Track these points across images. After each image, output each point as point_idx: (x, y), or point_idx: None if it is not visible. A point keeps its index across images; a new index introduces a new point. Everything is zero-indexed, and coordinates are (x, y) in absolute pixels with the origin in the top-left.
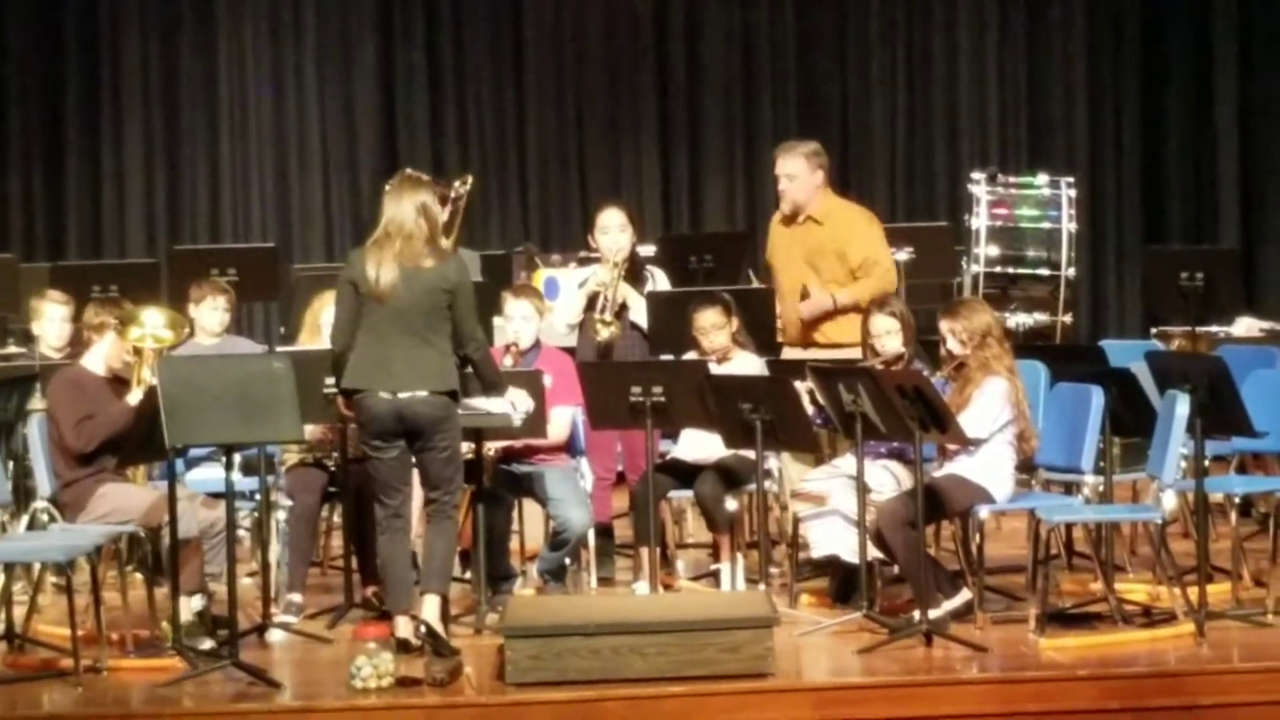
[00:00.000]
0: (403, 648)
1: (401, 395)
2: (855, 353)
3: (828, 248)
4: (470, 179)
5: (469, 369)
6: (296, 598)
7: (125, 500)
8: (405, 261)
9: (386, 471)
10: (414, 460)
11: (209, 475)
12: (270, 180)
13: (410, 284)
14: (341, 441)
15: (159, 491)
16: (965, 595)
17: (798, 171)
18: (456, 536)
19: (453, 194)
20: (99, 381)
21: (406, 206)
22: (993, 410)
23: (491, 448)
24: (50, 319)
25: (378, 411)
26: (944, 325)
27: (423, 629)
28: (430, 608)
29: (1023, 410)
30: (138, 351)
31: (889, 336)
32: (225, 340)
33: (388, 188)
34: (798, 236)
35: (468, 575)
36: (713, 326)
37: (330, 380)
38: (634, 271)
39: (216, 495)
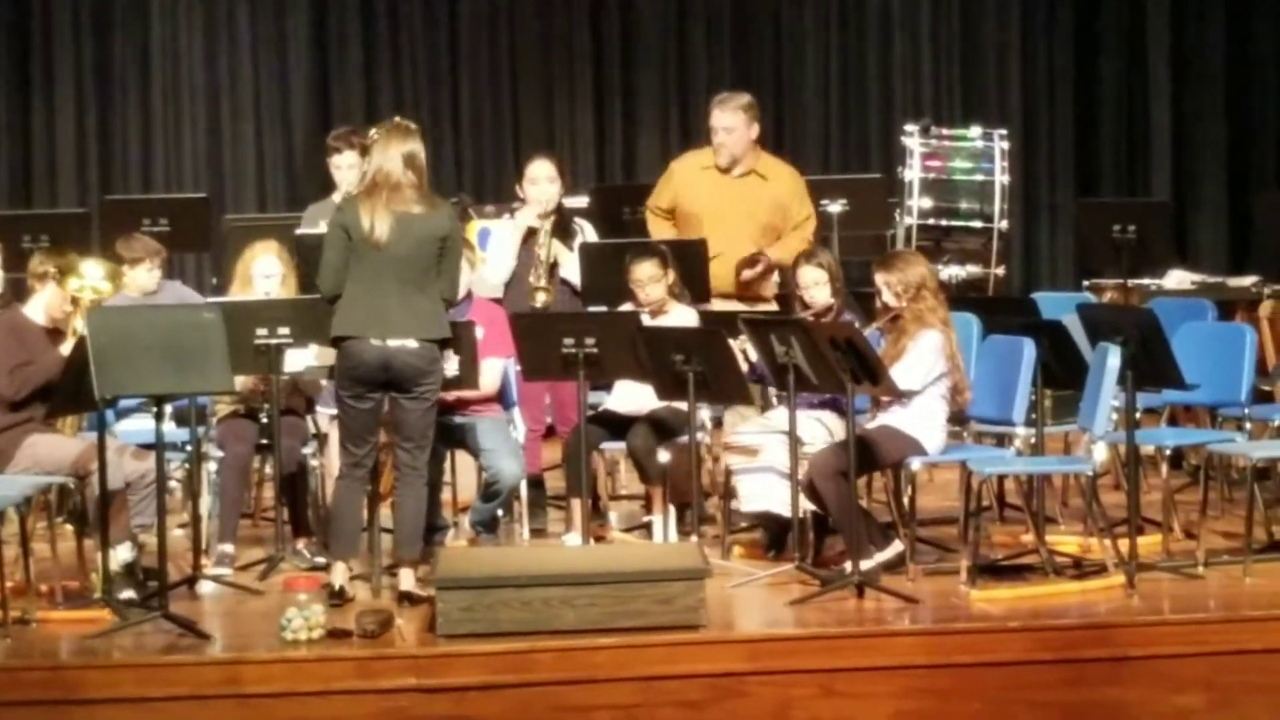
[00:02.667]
0: (335, 595)
1: (391, 343)
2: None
3: (767, 202)
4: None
5: None
6: (228, 548)
7: (52, 451)
8: (396, 208)
9: (359, 421)
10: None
11: (140, 426)
12: (202, 130)
13: (404, 231)
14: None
15: (87, 441)
16: (897, 547)
17: (735, 125)
18: (425, 497)
19: (369, 142)
20: (38, 330)
21: (393, 155)
22: (926, 362)
23: None
24: None
25: (365, 358)
26: (879, 277)
27: (406, 602)
28: (407, 579)
29: (956, 363)
30: (75, 302)
31: (817, 288)
32: (166, 286)
33: (375, 135)
34: (737, 189)
35: None
36: (649, 279)
37: (261, 331)
38: (563, 225)
39: (147, 446)
